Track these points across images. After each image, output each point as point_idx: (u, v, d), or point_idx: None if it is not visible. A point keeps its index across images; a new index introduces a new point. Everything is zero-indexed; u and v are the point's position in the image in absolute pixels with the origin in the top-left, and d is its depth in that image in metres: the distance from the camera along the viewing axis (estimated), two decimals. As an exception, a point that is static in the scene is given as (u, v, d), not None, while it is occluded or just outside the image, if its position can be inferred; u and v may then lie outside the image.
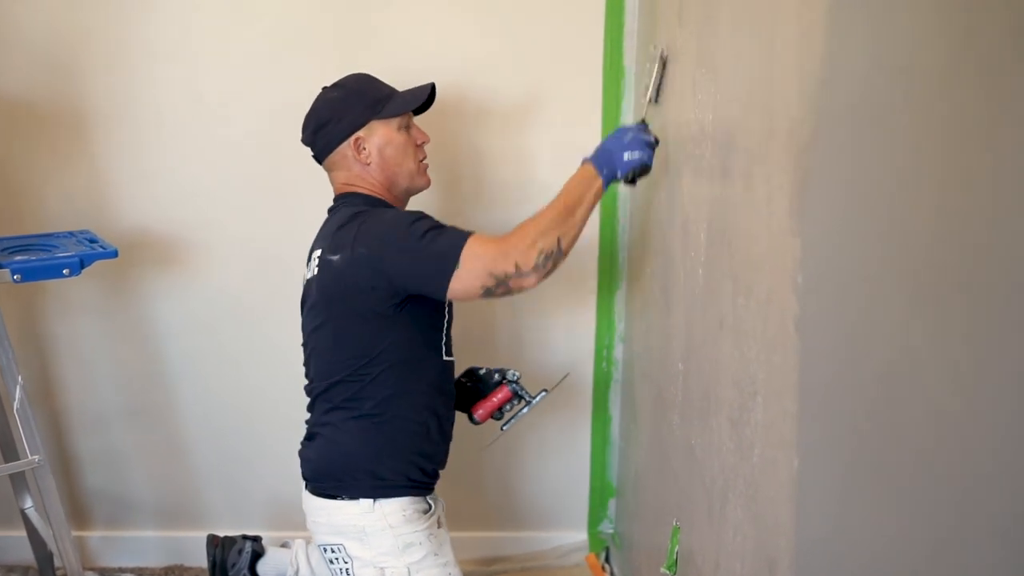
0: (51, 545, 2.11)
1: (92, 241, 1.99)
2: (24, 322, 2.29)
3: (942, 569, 0.78)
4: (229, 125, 2.20)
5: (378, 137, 1.73)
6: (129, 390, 2.37)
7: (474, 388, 1.93)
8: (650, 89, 1.80)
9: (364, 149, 1.73)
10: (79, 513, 2.45)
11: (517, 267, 1.55)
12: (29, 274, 1.82)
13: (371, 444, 1.70)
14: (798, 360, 1.08)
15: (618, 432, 2.42)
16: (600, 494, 2.47)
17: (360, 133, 1.72)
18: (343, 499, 1.70)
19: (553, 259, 1.58)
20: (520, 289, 1.58)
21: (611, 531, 2.49)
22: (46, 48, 2.14)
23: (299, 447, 1.81)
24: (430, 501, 1.77)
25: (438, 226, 1.62)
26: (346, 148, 1.73)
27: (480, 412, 1.89)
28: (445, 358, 1.76)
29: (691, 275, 1.60)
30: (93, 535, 2.48)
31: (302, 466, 1.79)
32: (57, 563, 2.19)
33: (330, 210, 1.79)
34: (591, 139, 2.22)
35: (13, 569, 2.41)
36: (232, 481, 2.44)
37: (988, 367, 0.70)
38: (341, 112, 1.73)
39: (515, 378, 1.90)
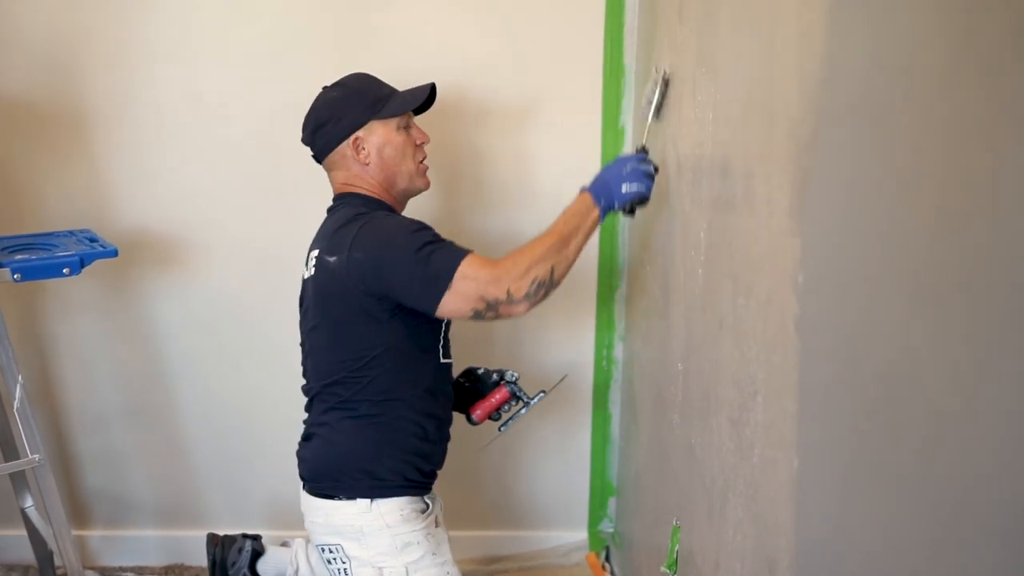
0: (51, 544, 2.11)
1: (92, 240, 1.99)
2: (24, 321, 2.29)
3: (942, 569, 0.78)
4: (229, 125, 2.20)
5: (377, 137, 1.73)
6: (129, 389, 2.37)
7: (472, 388, 1.93)
8: (651, 108, 1.77)
9: (363, 149, 1.73)
10: (79, 512, 2.45)
11: (509, 294, 1.56)
12: (29, 273, 1.82)
13: (368, 444, 1.70)
14: (798, 360, 1.08)
15: (618, 431, 2.42)
16: (600, 493, 2.48)
17: (359, 133, 1.72)
18: (340, 499, 1.70)
19: (545, 288, 1.59)
20: (509, 316, 1.59)
21: (611, 530, 2.49)
22: (46, 48, 2.14)
23: (296, 447, 1.81)
24: (427, 500, 1.77)
25: (436, 241, 1.61)
26: (345, 148, 1.73)
27: (478, 413, 1.89)
28: (442, 360, 1.76)
29: (691, 275, 1.60)
30: (93, 534, 2.48)
31: (299, 466, 1.79)
32: (57, 562, 2.19)
33: (329, 210, 1.79)
34: (591, 139, 2.23)
35: (13, 568, 2.41)
36: (232, 480, 2.44)
37: (988, 367, 0.70)
38: (340, 112, 1.73)
39: (513, 379, 1.90)
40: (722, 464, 1.39)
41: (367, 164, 1.73)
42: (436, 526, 1.77)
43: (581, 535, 2.51)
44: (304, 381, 1.80)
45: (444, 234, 2.25)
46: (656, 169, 1.71)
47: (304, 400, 1.80)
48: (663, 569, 1.73)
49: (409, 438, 1.72)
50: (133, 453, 2.42)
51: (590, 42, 2.17)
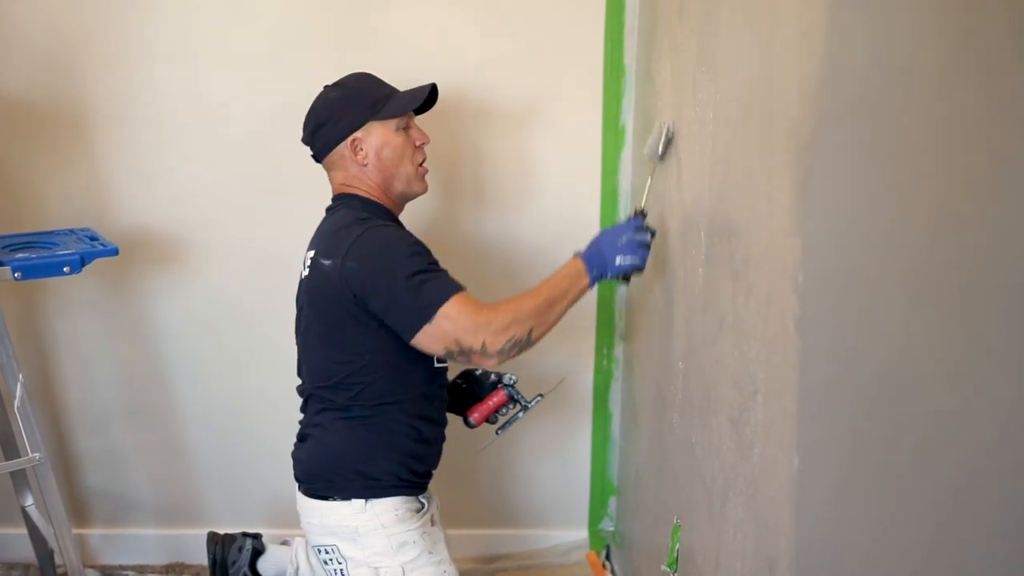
0: (52, 543, 2.12)
1: (93, 239, 1.99)
2: (25, 320, 2.29)
3: (941, 568, 0.78)
4: (229, 125, 2.20)
5: (375, 138, 1.72)
6: (129, 388, 2.37)
7: (470, 390, 1.92)
8: (658, 148, 1.75)
9: (361, 150, 1.72)
10: (80, 511, 2.46)
11: (484, 347, 1.57)
12: (30, 272, 1.82)
13: (361, 445, 1.70)
14: (798, 360, 1.09)
15: (618, 431, 2.42)
16: (600, 492, 2.48)
17: (358, 134, 1.72)
18: (335, 500, 1.71)
19: (519, 348, 1.60)
20: (478, 364, 1.61)
21: (611, 529, 2.49)
22: (46, 48, 2.14)
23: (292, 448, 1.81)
24: (423, 500, 1.77)
25: (429, 270, 1.60)
26: (343, 149, 1.73)
27: (475, 416, 1.88)
28: (436, 364, 1.74)
29: (691, 274, 1.60)
30: (94, 533, 2.48)
31: (294, 467, 1.79)
32: (58, 561, 2.19)
33: (328, 209, 1.78)
34: (591, 139, 2.23)
35: (14, 567, 2.42)
36: (232, 479, 2.44)
37: (988, 367, 0.70)
38: (340, 112, 1.72)
39: (511, 382, 1.89)
40: (722, 463, 1.40)
41: (365, 165, 1.73)
42: (432, 525, 1.76)
43: (581, 534, 2.51)
44: (299, 381, 1.80)
45: (444, 234, 2.26)
46: (653, 234, 1.71)
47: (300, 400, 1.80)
48: (664, 568, 1.73)
49: (403, 439, 1.72)
50: (133, 452, 2.42)
51: (590, 42, 2.17)
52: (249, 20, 2.15)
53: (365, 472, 1.69)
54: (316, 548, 1.75)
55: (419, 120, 1.83)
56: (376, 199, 1.74)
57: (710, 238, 1.49)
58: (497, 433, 1.91)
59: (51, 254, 1.87)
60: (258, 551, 2.05)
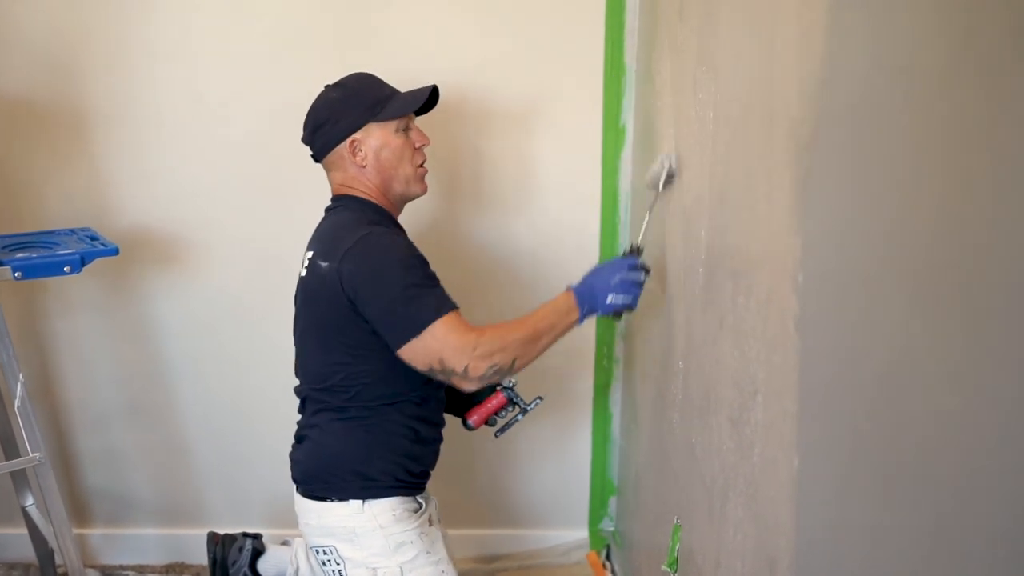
0: (52, 543, 2.12)
1: (93, 238, 1.99)
2: (25, 319, 2.29)
3: (941, 568, 0.78)
4: (229, 125, 2.20)
5: (374, 140, 1.72)
6: (130, 388, 2.37)
7: (469, 392, 1.92)
8: (659, 183, 1.74)
9: (360, 151, 1.72)
10: (80, 511, 2.46)
11: (466, 370, 1.58)
12: (30, 271, 1.82)
13: (358, 446, 1.70)
14: (798, 360, 1.09)
15: (619, 430, 2.42)
16: (601, 492, 2.48)
17: (357, 135, 1.71)
18: (332, 501, 1.71)
19: (501, 375, 1.63)
20: (456, 386, 1.62)
21: (612, 529, 2.49)
22: (46, 48, 2.14)
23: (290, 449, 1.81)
24: (420, 500, 1.77)
25: (425, 284, 1.61)
26: (342, 149, 1.72)
27: (474, 418, 1.88)
28: None
29: (691, 274, 1.60)
30: (94, 532, 2.48)
31: (292, 468, 1.79)
32: (58, 560, 2.19)
33: (327, 209, 1.78)
34: (592, 139, 2.22)
35: (14, 566, 2.42)
36: (232, 479, 2.44)
37: (988, 367, 0.70)
38: (339, 113, 1.72)
39: (511, 384, 1.89)
40: (722, 463, 1.40)
41: (364, 166, 1.73)
42: (430, 525, 1.76)
43: (582, 534, 2.51)
44: (297, 382, 1.80)
45: (444, 234, 2.26)
46: (648, 272, 1.72)
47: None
48: (664, 568, 1.73)
49: (400, 440, 1.72)
50: (134, 451, 2.42)
51: (590, 42, 2.17)
52: (249, 20, 2.15)
53: (362, 473, 1.69)
54: (314, 549, 1.75)
55: (419, 120, 1.83)
56: (375, 200, 1.74)
57: (710, 237, 1.49)
58: (496, 436, 1.91)
59: (51, 254, 1.87)
60: (258, 551, 2.05)
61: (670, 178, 1.72)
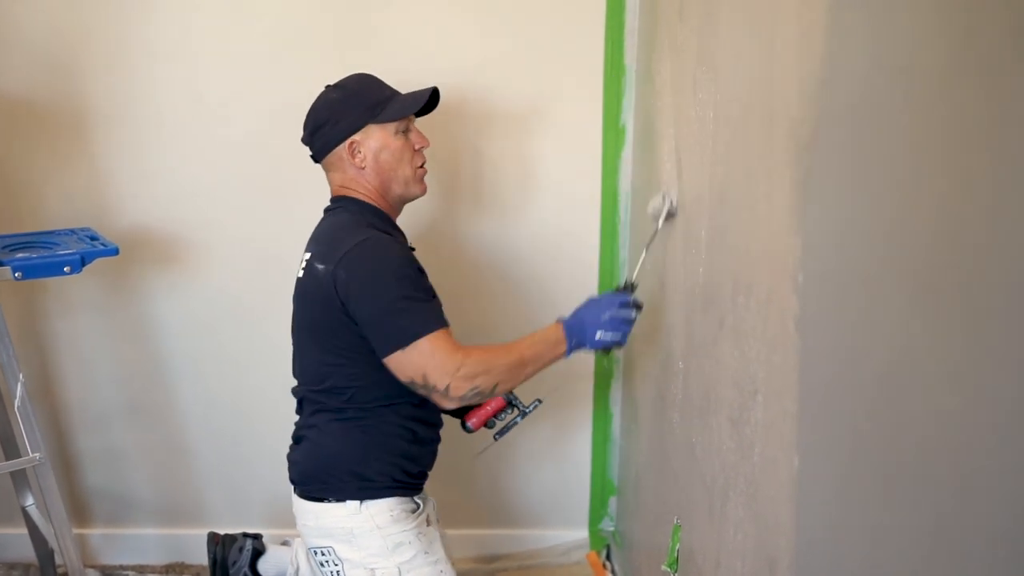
0: (52, 543, 2.12)
1: (93, 238, 1.99)
2: (25, 319, 2.29)
3: (941, 568, 0.78)
4: (229, 125, 2.20)
5: (374, 141, 1.72)
6: (130, 388, 2.37)
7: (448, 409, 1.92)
8: (659, 221, 1.74)
9: (359, 153, 1.72)
10: (80, 511, 2.46)
11: (447, 389, 1.59)
12: (30, 271, 1.82)
13: (356, 446, 1.70)
14: (798, 360, 1.09)
15: (618, 431, 2.42)
16: (601, 492, 2.48)
17: (356, 137, 1.71)
18: (330, 501, 1.71)
19: (481, 398, 1.65)
20: (436, 403, 1.64)
21: (612, 529, 2.49)
22: (46, 48, 2.14)
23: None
24: (418, 500, 1.77)
25: (418, 298, 1.61)
26: (342, 151, 1.72)
27: (473, 420, 1.87)
28: None
29: (691, 274, 1.60)
30: (94, 532, 2.48)
31: (290, 469, 1.79)
32: (58, 560, 2.19)
33: (326, 210, 1.78)
34: (592, 139, 2.22)
35: (14, 566, 2.42)
36: (232, 479, 2.44)
37: (988, 367, 0.70)
38: (339, 114, 1.72)
39: None
40: (722, 463, 1.40)
41: (363, 168, 1.73)
42: (428, 525, 1.76)
43: (582, 534, 2.51)
44: (294, 382, 1.80)
45: (443, 234, 2.26)
46: (640, 308, 1.72)
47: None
48: (664, 568, 1.73)
49: (397, 440, 1.72)
50: (134, 451, 2.42)
51: (590, 42, 2.17)
52: (249, 20, 2.15)
53: (360, 473, 1.69)
54: (312, 550, 1.75)
55: (419, 119, 1.83)
56: (373, 202, 1.74)
57: (710, 237, 1.49)
58: (495, 438, 1.90)
59: (51, 254, 1.87)
60: (258, 551, 2.05)
61: (670, 216, 1.73)
